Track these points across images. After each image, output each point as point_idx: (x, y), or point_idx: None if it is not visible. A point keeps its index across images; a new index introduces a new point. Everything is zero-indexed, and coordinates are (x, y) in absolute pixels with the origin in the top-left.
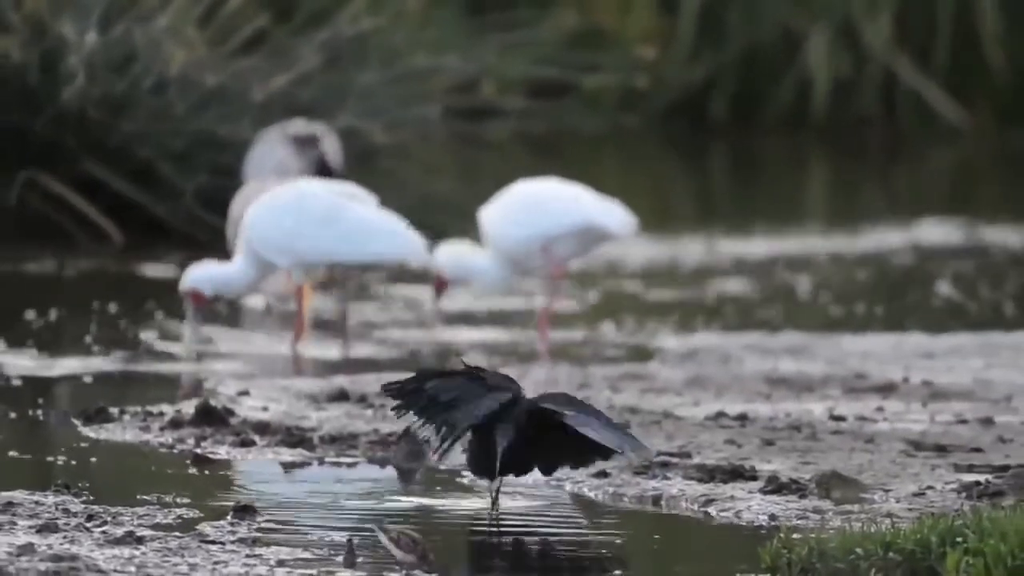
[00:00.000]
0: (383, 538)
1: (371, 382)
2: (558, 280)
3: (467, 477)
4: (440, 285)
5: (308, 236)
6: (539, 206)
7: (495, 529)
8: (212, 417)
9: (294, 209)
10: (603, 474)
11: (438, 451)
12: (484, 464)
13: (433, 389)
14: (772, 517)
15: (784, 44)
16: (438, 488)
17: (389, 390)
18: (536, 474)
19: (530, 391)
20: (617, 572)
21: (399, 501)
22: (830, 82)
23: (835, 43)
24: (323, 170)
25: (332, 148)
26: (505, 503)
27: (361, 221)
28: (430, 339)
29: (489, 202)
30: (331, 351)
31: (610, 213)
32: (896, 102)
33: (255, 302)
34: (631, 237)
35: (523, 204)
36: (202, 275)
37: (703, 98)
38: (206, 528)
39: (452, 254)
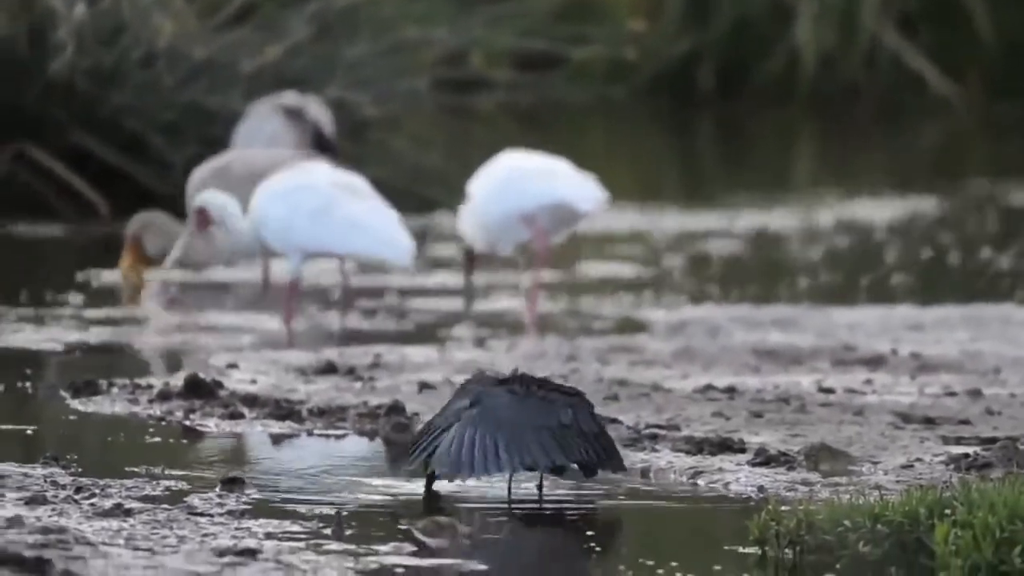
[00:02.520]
0: (413, 531)
1: (359, 355)
2: (544, 252)
3: None
4: (469, 257)
5: (300, 227)
6: (516, 182)
7: (485, 504)
8: (201, 390)
9: (291, 198)
10: None
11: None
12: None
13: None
14: (760, 489)
15: (773, 16)
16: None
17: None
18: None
19: (528, 365)
20: (604, 542)
21: (387, 474)
22: (818, 54)
23: (823, 15)
24: (319, 142)
25: (326, 122)
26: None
27: (351, 218)
28: (424, 310)
29: (476, 173)
30: (321, 323)
31: (580, 190)
32: (885, 74)
33: (248, 274)
34: (601, 212)
35: (501, 179)
36: (219, 202)
37: (691, 70)
38: (194, 500)
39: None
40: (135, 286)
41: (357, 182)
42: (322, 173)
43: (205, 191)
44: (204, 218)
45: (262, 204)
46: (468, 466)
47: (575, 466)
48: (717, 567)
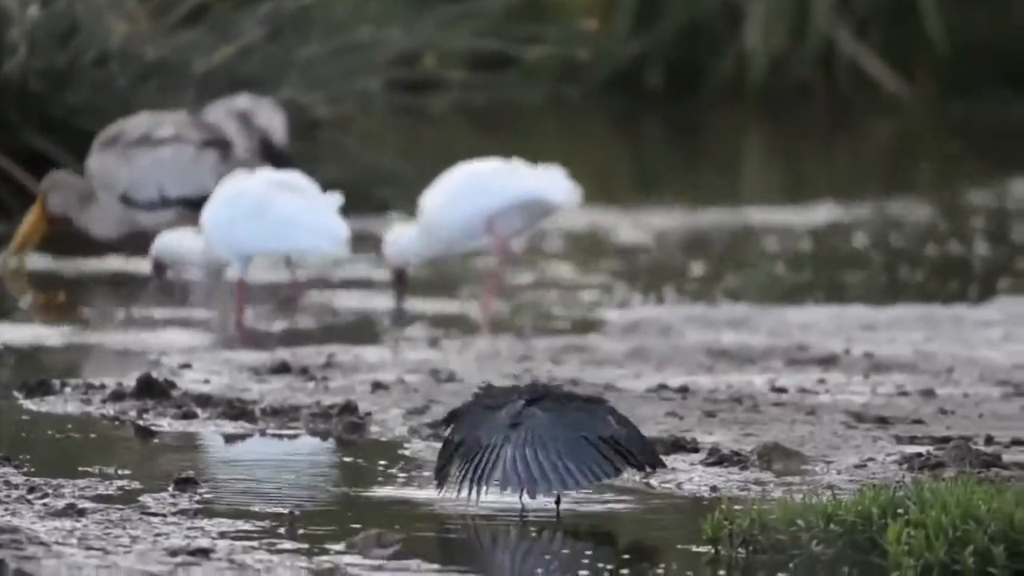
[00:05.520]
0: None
1: (312, 355)
2: (503, 254)
3: (408, 448)
4: (395, 274)
5: (239, 228)
6: (482, 183)
7: (436, 503)
8: (154, 389)
9: (230, 201)
10: None
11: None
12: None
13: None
14: (713, 489)
15: (724, 14)
16: (379, 462)
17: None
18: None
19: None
20: (560, 543)
21: (340, 473)
22: (769, 55)
23: (774, 16)
24: (266, 147)
25: (277, 124)
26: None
27: (286, 215)
28: (376, 309)
29: (431, 183)
30: (274, 323)
31: (553, 185)
32: (836, 73)
33: (199, 274)
34: (574, 207)
35: (465, 183)
36: (163, 245)
37: (643, 70)
38: (147, 500)
39: (394, 239)
40: (15, 269)
41: (294, 178)
42: (261, 175)
43: (159, 238)
44: (160, 266)
45: (208, 212)
46: (542, 483)
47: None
48: (670, 566)
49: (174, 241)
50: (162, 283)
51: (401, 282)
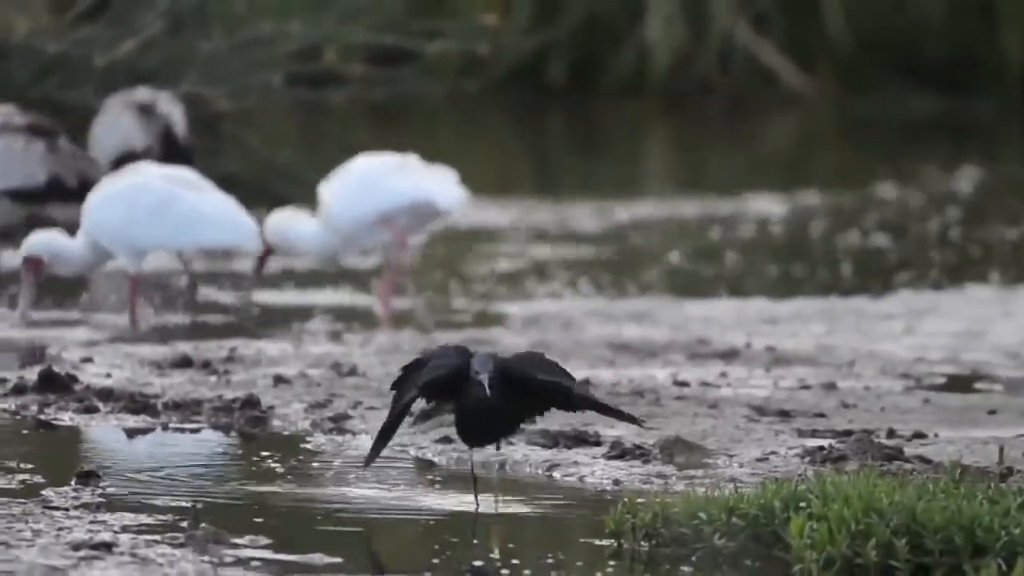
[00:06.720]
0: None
1: (214, 348)
2: (401, 249)
3: (310, 442)
4: (264, 251)
5: (141, 226)
6: (374, 183)
7: (338, 497)
8: (56, 384)
9: (128, 199)
10: (447, 440)
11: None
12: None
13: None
14: (616, 482)
15: (625, 9)
16: (281, 455)
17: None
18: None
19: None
20: (462, 536)
21: (242, 467)
22: (670, 50)
23: (674, 11)
24: (168, 141)
25: (178, 118)
26: (351, 468)
27: (193, 210)
28: (272, 303)
29: (329, 176)
30: (175, 316)
31: (441, 189)
32: (738, 69)
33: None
34: (462, 209)
35: (359, 181)
36: (43, 243)
37: (543, 65)
38: (50, 494)
39: (279, 221)
40: None
41: (187, 174)
42: (152, 170)
43: (27, 240)
44: (33, 265)
45: (97, 209)
46: None
47: None
48: (573, 560)
49: (46, 239)
50: (37, 280)
51: (265, 259)
